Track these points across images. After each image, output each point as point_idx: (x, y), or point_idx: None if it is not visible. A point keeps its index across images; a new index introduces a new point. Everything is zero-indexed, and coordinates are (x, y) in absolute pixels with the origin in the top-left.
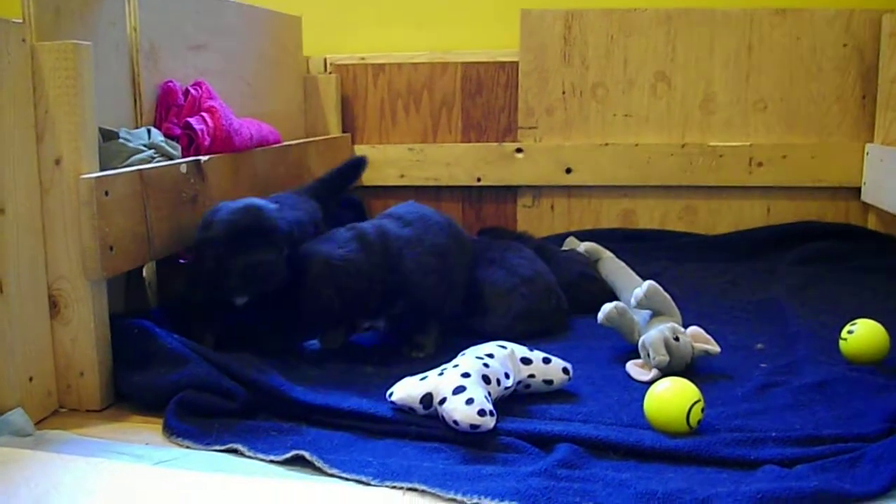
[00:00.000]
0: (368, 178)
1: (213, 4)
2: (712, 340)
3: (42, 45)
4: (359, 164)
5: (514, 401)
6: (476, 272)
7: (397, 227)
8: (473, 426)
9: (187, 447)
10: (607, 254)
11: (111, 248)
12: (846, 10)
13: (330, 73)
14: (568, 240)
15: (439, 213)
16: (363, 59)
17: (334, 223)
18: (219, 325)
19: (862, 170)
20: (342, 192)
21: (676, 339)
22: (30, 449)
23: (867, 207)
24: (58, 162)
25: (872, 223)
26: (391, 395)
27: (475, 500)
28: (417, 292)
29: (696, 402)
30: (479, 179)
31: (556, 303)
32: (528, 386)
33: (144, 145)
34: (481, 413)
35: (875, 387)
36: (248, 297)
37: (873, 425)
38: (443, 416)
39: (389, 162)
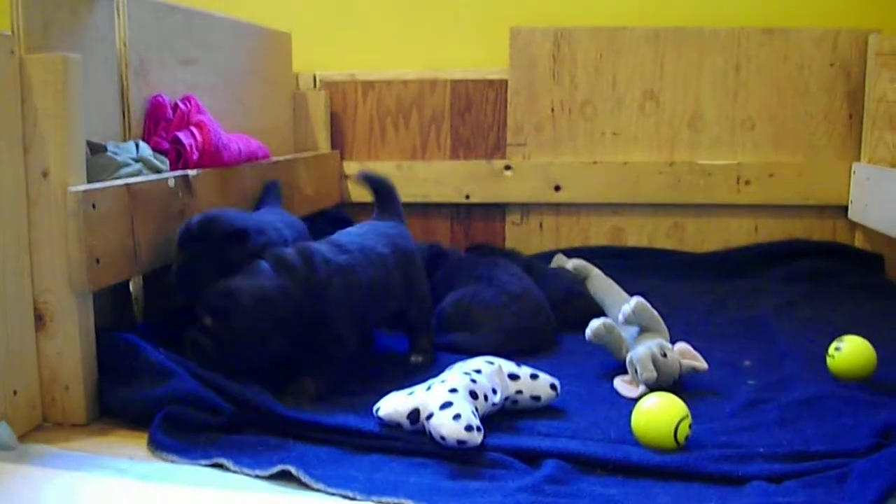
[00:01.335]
0: (358, 194)
1: (202, 19)
2: (700, 357)
3: (31, 57)
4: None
5: (501, 416)
6: (464, 289)
7: (333, 253)
8: (460, 441)
9: (172, 461)
10: (595, 271)
11: (98, 261)
12: (833, 29)
13: (319, 89)
14: (556, 257)
15: (389, 239)
16: (353, 75)
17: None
18: None
19: (849, 188)
20: None
21: (664, 355)
22: (13, 463)
23: (854, 226)
24: (45, 174)
25: (859, 241)
26: (378, 410)
27: None
28: (336, 326)
29: (683, 419)
30: (467, 197)
31: (546, 320)
32: (515, 402)
33: (133, 159)
34: (468, 428)
35: (862, 403)
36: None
37: (861, 441)
38: (430, 432)
39: None
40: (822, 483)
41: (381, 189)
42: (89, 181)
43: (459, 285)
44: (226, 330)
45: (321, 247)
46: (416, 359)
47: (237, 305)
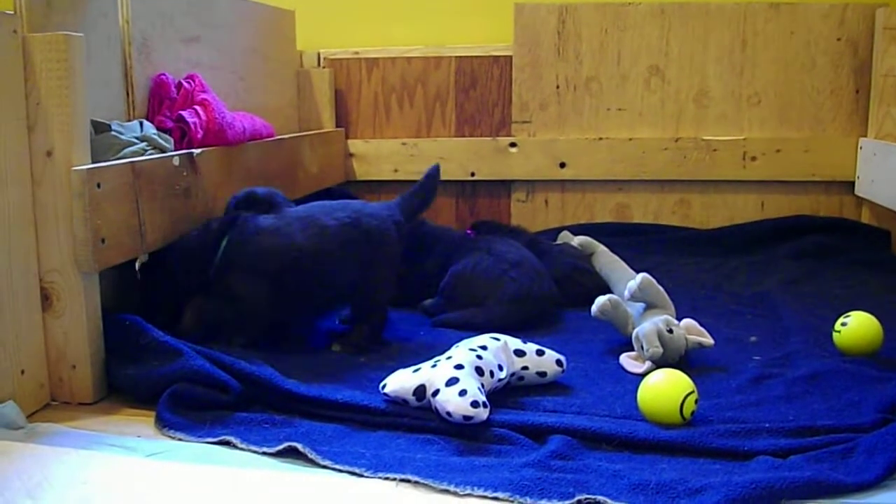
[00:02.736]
0: (363, 172)
1: None
2: (706, 333)
3: (33, 36)
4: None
5: (507, 393)
6: (463, 261)
7: (260, 219)
8: (466, 417)
9: (179, 439)
10: (601, 247)
11: (103, 241)
12: (840, 4)
13: (323, 67)
14: (562, 234)
15: (351, 213)
16: (357, 53)
17: None
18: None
19: (855, 164)
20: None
21: (670, 331)
22: (21, 441)
23: (860, 201)
24: (49, 154)
25: (866, 217)
26: (384, 386)
27: (468, 492)
28: (236, 287)
29: (689, 394)
30: (472, 174)
31: (548, 286)
32: (521, 378)
33: (137, 138)
34: (474, 404)
35: (868, 378)
36: None
37: (867, 416)
38: (436, 408)
39: (383, 157)
40: (828, 458)
41: (425, 185)
42: (94, 161)
43: (458, 259)
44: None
45: (257, 216)
46: (335, 347)
47: (167, 258)
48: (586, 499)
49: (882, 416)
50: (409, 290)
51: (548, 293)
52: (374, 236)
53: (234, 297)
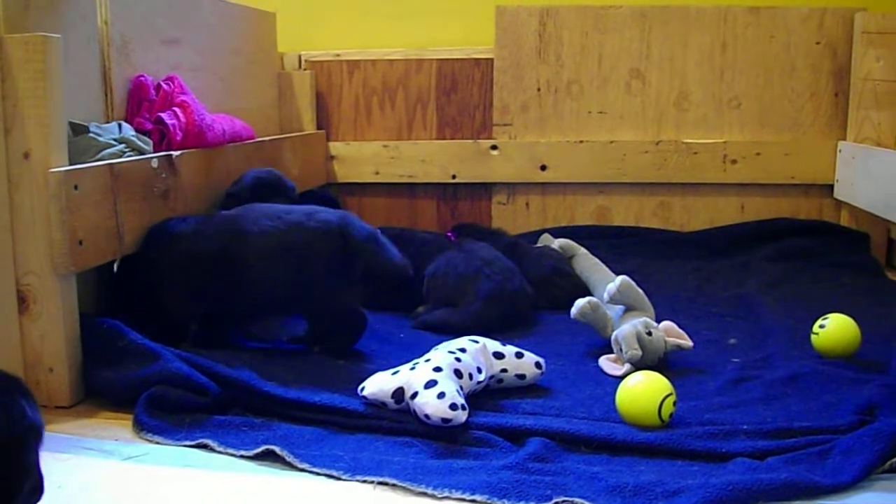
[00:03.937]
0: (343, 174)
1: None
2: (685, 335)
3: (11, 37)
4: None
5: (486, 395)
6: (436, 262)
7: (181, 221)
8: (445, 420)
9: (157, 443)
10: (582, 250)
11: (80, 243)
12: (819, 8)
13: (304, 69)
14: (542, 236)
15: (288, 228)
16: (338, 55)
17: None
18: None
19: (835, 167)
20: None
21: (649, 333)
22: None
23: (840, 204)
24: (26, 155)
25: (845, 219)
26: (363, 389)
27: (446, 494)
28: (163, 292)
29: (667, 396)
30: (453, 177)
31: (520, 284)
32: (500, 380)
33: (115, 140)
34: (453, 407)
35: (846, 380)
36: None
37: (844, 418)
38: (414, 411)
39: (364, 159)
40: (805, 459)
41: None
42: (72, 162)
43: (429, 261)
44: None
45: (183, 220)
46: (315, 349)
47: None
48: (564, 501)
49: (859, 417)
50: (379, 294)
51: (521, 290)
52: (300, 250)
53: (157, 306)
